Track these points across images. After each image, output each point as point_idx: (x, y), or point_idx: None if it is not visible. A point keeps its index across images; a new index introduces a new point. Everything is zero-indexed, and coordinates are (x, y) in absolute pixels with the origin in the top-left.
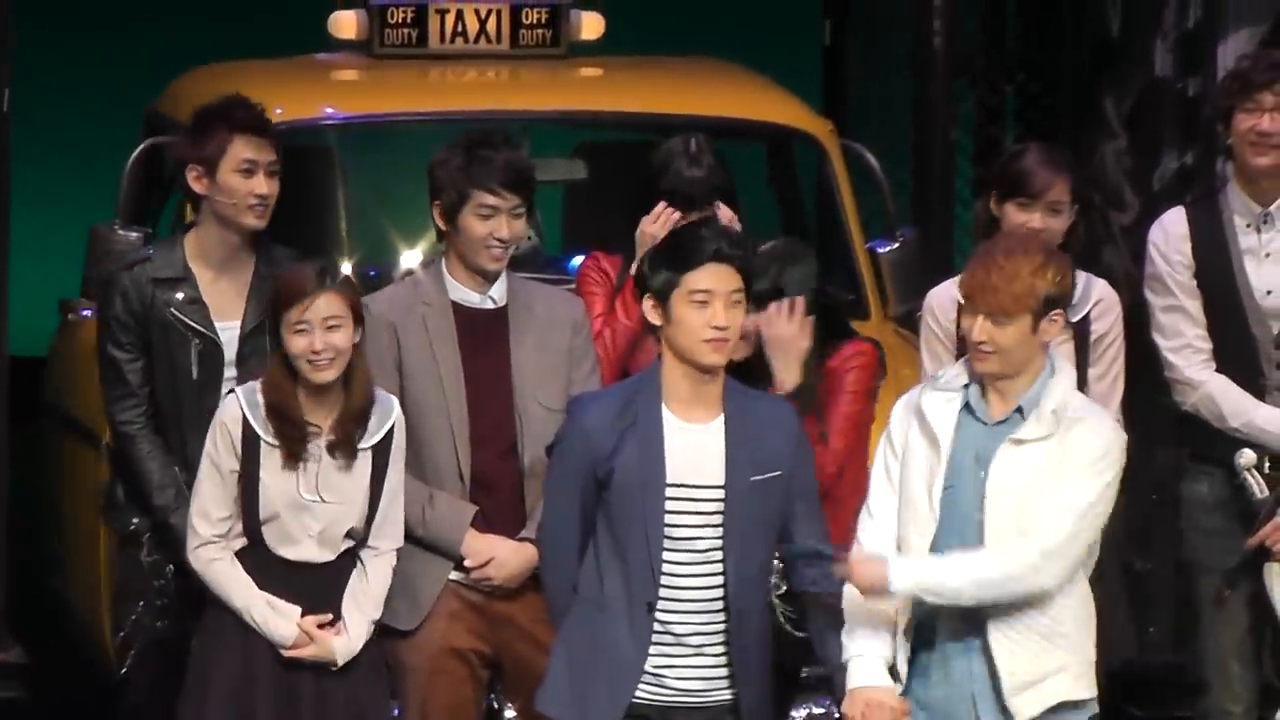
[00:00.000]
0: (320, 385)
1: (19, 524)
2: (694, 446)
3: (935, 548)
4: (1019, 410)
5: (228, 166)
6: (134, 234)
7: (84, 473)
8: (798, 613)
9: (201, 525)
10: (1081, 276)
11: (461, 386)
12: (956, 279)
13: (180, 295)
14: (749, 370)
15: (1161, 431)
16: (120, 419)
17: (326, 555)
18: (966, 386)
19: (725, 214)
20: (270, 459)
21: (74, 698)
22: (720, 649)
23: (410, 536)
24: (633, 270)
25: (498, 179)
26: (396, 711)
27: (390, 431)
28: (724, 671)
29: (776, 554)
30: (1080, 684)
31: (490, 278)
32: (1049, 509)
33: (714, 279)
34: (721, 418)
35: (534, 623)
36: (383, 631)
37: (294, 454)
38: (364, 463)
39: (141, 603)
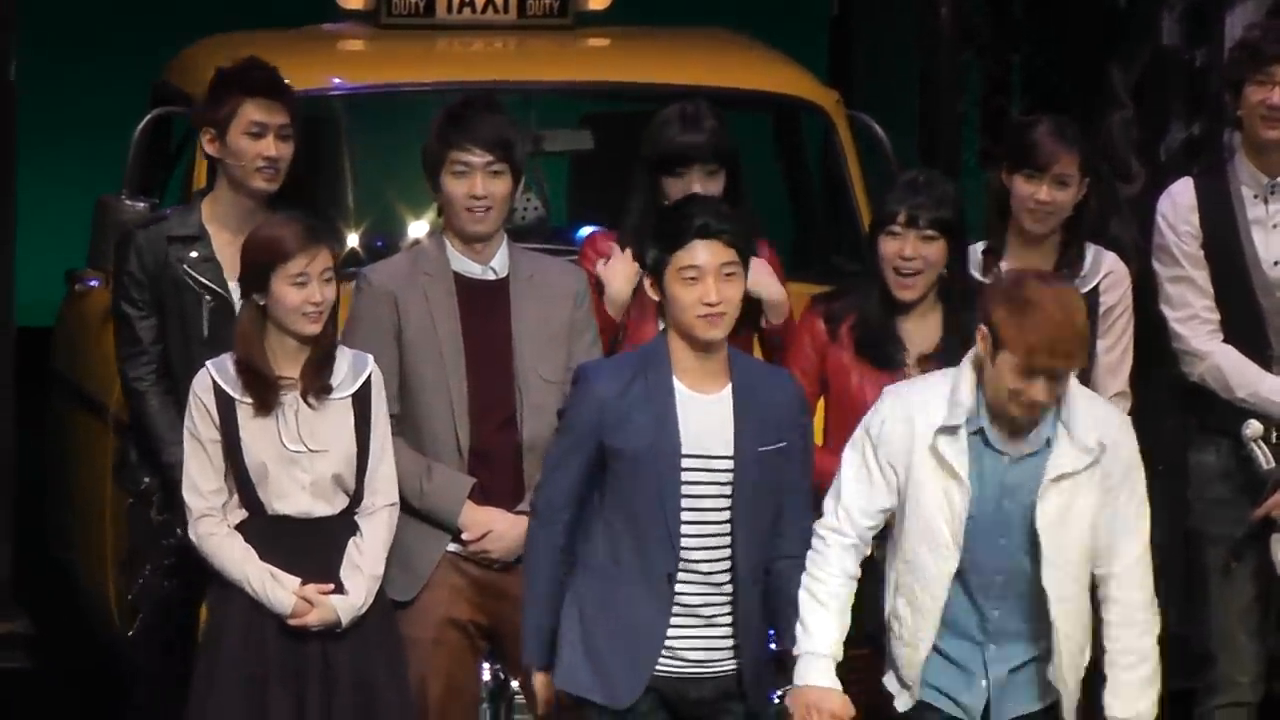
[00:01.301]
0: (300, 338)
1: (25, 494)
2: (704, 416)
3: (959, 575)
4: (1047, 442)
5: (237, 129)
6: (141, 204)
7: (91, 443)
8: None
9: (194, 500)
10: (1090, 249)
11: (461, 358)
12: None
13: (194, 254)
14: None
15: (1167, 403)
16: (131, 375)
17: (322, 508)
18: (974, 421)
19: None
20: (248, 417)
21: (80, 668)
22: (727, 619)
23: (407, 508)
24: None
25: (468, 136)
26: None
27: (368, 381)
28: (730, 642)
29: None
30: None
31: (478, 240)
32: (1117, 535)
33: (703, 255)
34: (729, 387)
35: None
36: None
37: (267, 404)
38: (344, 412)
39: (149, 565)
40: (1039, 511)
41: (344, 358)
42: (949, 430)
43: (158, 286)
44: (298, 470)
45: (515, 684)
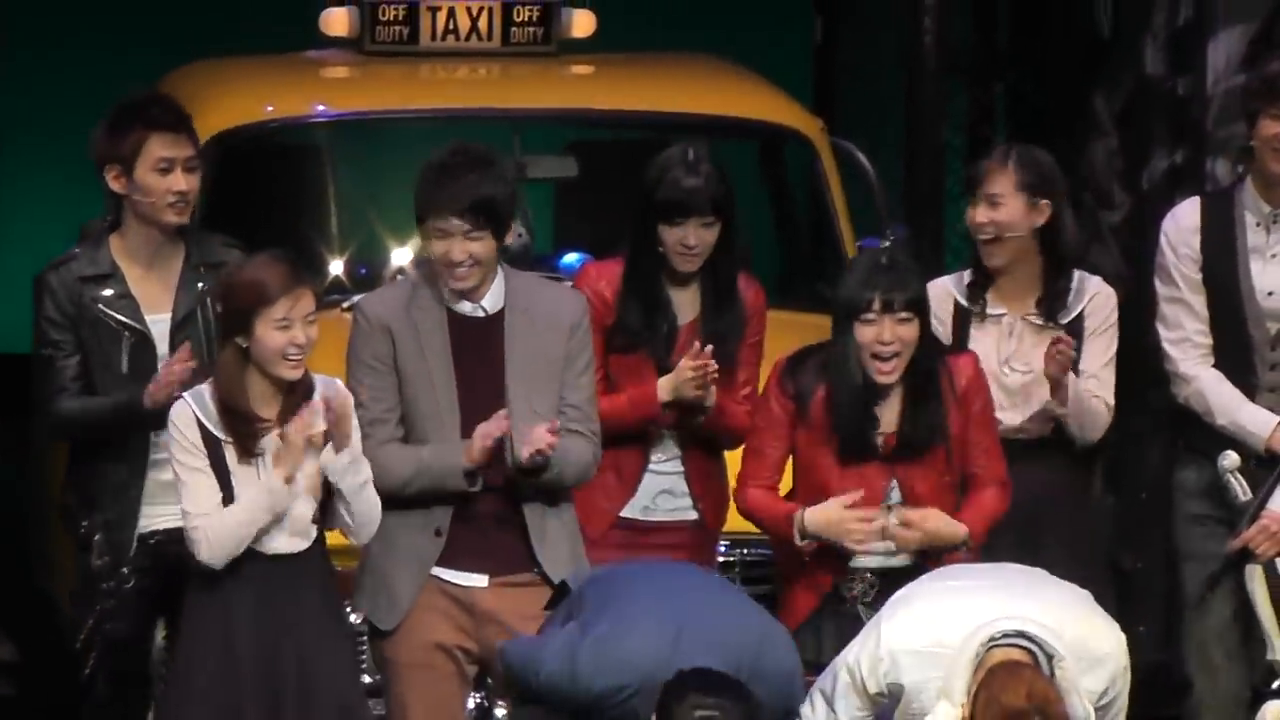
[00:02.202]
0: (277, 380)
1: (8, 522)
2: None
3: None
4: None
5: (145, 165)
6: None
7: None
8: None
9: (195, 518)
10: (1076, 275)
11: (454, 390)
12: (950, 276)
13: (109, 291)
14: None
15: (1151, 429)
16: (56, 407)
17: (299, 545)
18: None
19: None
20: (234, 460)
21: (64, 696)
22: None
23: (401, 503)
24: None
25: (447, 206)
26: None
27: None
28: None
29: None
30: None
31: (460, 296)
32: None
33: None
34: None
35: (520, 620)
36: (371, 632)
37: (248, 449)
38: (314, 452)
39: (98, 606)
40: None
41: (315, 389)
42: None
43: (76, 327)
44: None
45: (500, 711)
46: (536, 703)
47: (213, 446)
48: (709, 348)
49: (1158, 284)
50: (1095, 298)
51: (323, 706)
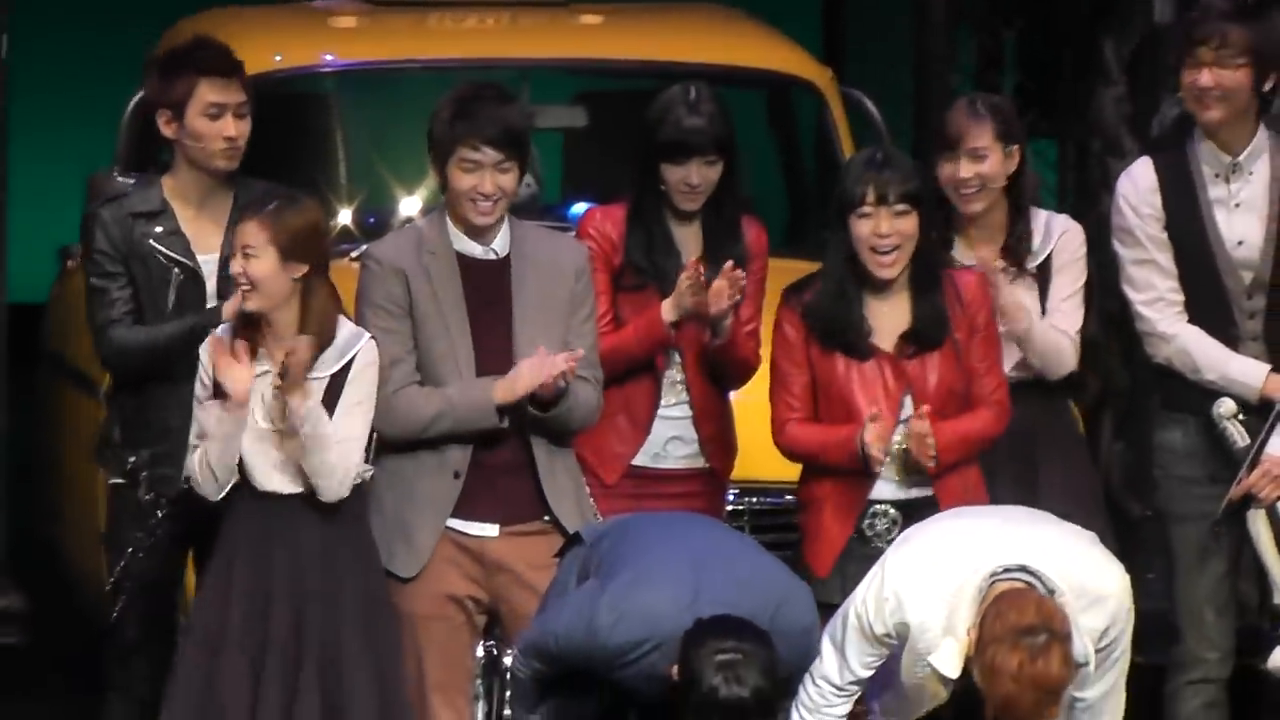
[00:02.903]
0: (254, 315)
1: (17, 471)
2: None
3: None
4: None
5: (195, 110)
6: (132, 181)
7: (82, 420)
8: None
9: (193, 450)
10: (1040, 216)
11: (468, 333)
12: None
13: (159, 228)
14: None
15: (1146, 380)
16: (110, 336)
17: (292, 486)
18: None
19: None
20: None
21: (72, 644)
22: None
23: (415, 449)
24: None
25: (481, 134)
26: None
27: (350, 363)
28: None
29: None
30: None
31: (480, 232)
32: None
33: None
34: None
35: (530, 569)
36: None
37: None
38: (316, 394)
39: (130, 548)
40: None
41: (339, 335)
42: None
43: (126, 261)
44: (269, 445)
45: (508, 660)
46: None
47: None
48: (696, 258)
49: (1119, 247)
50: (1064, 235)
51: (309, 660)
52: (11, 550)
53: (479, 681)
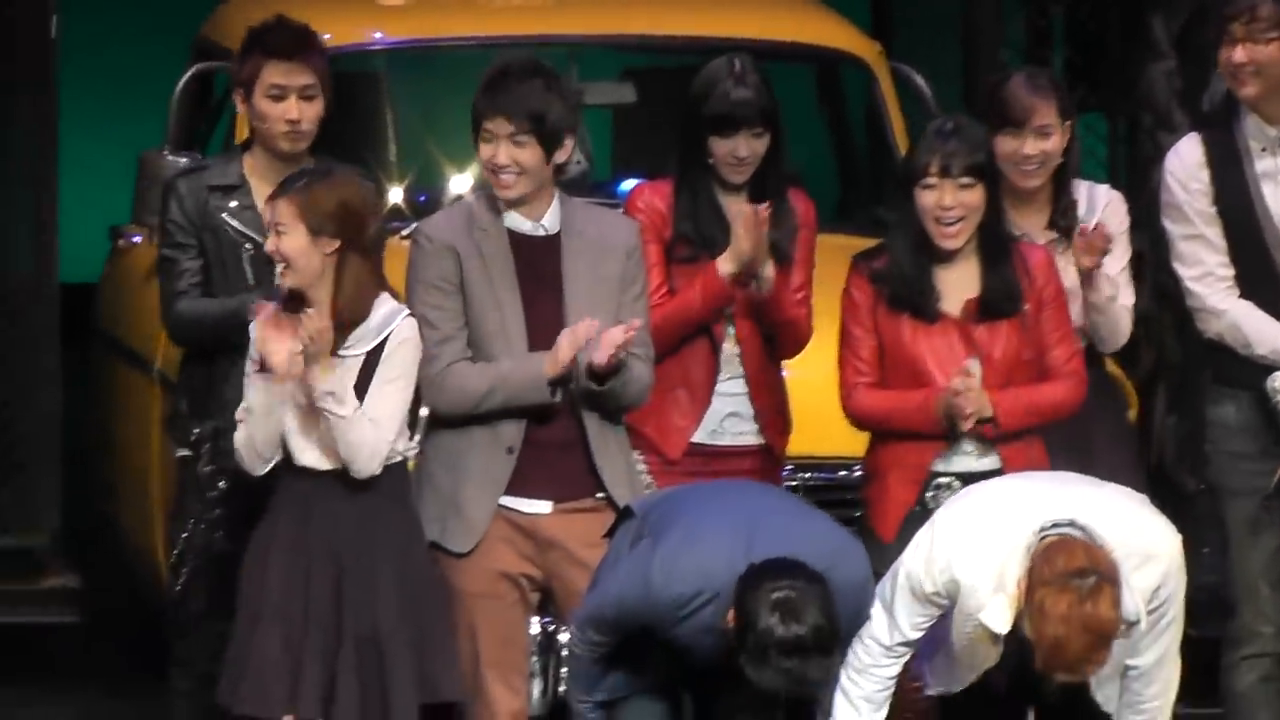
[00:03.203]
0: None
1: (71, 450)
2: None
3: None
4: None
5: (259, 91)
6: (183, 160)
7: (135, 397)
8: None
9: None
10: (1082, 186)
11: (520, 309)
12: None
13: (234, 203)
14: None
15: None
16: (174, 307)
17: (326, 463)
18: None
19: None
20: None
21: (127, 623)
22: None
23: (466, 425)
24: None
25: (494, 106)
26: None
27: (385, 340)
28: None
29: None
30: None
31: (511, 204)
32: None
33: None
34: None
35: (583, 546)
36: (433, 547)
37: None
38: (353, 367)
39: (193, 520)
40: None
41: (377, 313)
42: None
43: (199, 233)
44: (308, 423)
45: (564, 637)
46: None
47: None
48: (751, 206)
49: (1168, 224)
50: (1109, 205)
51: (347, 637)
52: (66, 529)
53: (534, 659)
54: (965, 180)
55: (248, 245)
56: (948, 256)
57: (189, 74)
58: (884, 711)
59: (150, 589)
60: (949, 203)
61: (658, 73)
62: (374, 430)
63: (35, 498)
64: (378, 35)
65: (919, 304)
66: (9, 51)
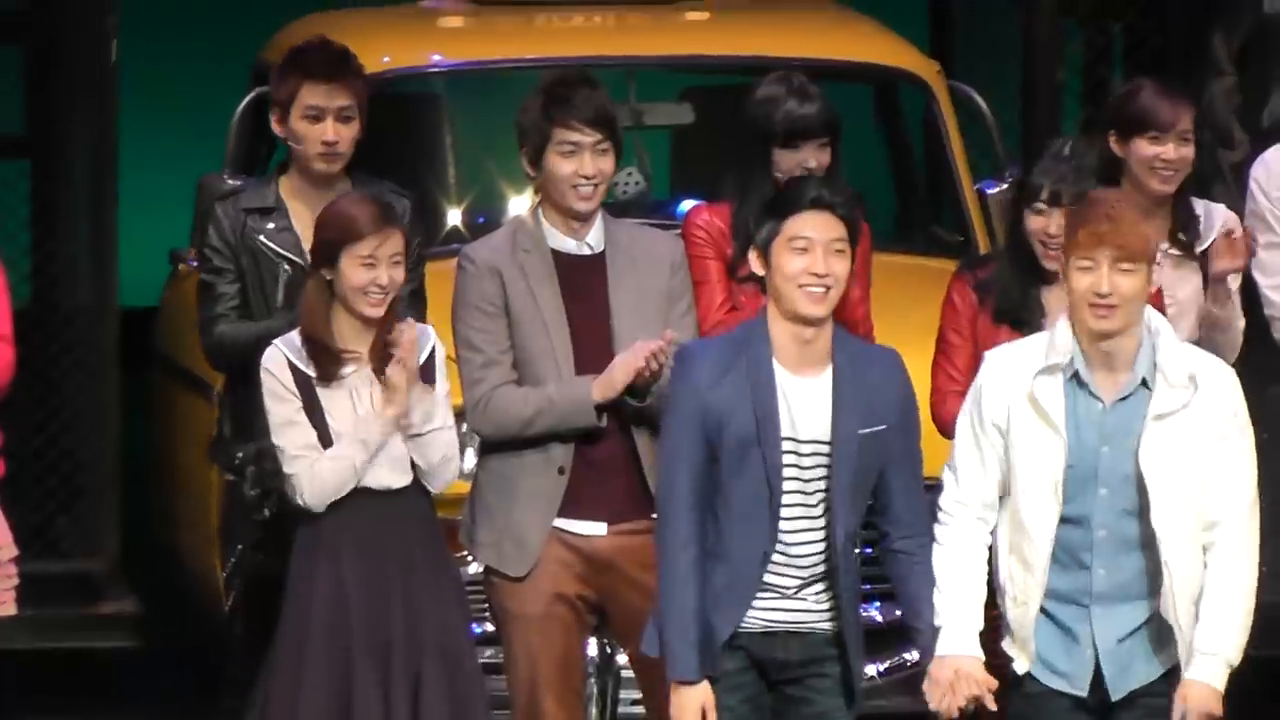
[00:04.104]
0: (363, 319)
1: (131, 475)
2: (803, 400)
3: (1063, 531)
4: (1144, 383)
5: (296, 112)
6: (241, 182)
7: (195, 421)
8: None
9: (293, 461)
10: (1201, 204)
11: (565, 329)
12: None
13: (271, 225)
14: None
15: (1273, 369)
16: (212, 331)
17: (400, 480)
18: (1071, 364)
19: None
20: (325, 391)
21: (186, 648)
22: (816, 590)
23: (518, 448)
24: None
25: (576, 115)
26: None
27: (431, 355)
28: (821, 608)
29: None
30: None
31: (582, 218)
32: (1224, 483)
33: (813, 225)
34: (830, 369)
35: (639, 568)
36: (488, 573)
37: (328, 375)
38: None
39: (241, 542)
40: (1142, 451)
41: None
42: (1047, 372)
43: (238, 257)
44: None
45: (622, 658)
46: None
47: (304, 386)
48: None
49: (1253, 232)
50: (1226, 223)
51: (430, 652)
52: (126, 553)
53: (592, 680)
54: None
55: (285, 266)
56: (1054, 276)
57: (248, 98)
58: (984, 578)
59: (208, 614)
60: (1054, 230)
61: (715, 92)
62: (452, 437)
63: (95, 523)
64: (436, 58)
65: (1023, 320)
66: (69, 77)
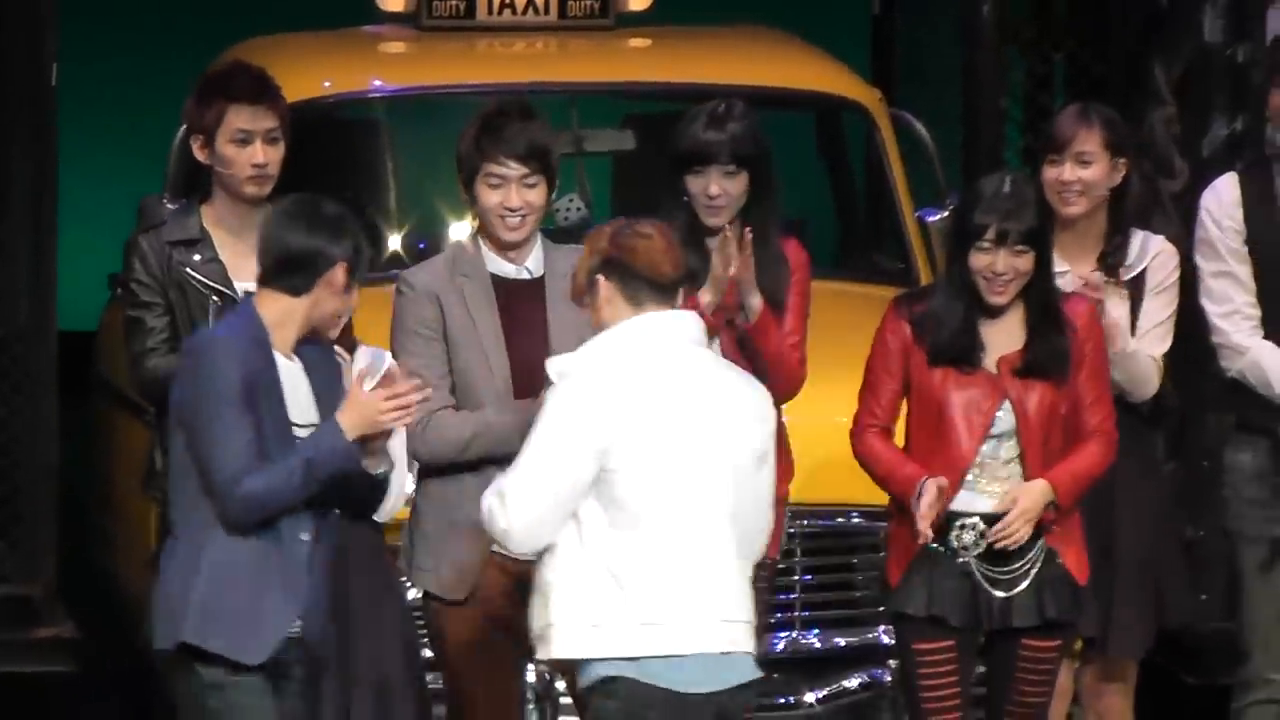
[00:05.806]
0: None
1: (69, 499)
2: None
3: None
4: None
5: (224, 136)
6: (174, 209)
7: (133, 447)
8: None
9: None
10: (1138, 234)
11: (504, 354)
12: None
13: (197, 256)
14: None
15: (1213, 398)
16: (144, 365)
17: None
18: None
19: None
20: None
21: (124, 673)
22: None
23: (457, 473)
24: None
25: (504, 150)
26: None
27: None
28: None
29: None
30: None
31: (513, 247)
32: None
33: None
34: None
35: None
36: (426, 598)
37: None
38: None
39: None
40: None
41: (362, 356)
42: None
43: (165, 290)
44: None
45: (560, 684)
46: None
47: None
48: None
49: (1199, 260)
50: (1158, 256)
51: (363, 680)
52: (64, 578)
53: (531, 708)
54: (1020, 248)
55: (215, 298)
56: (996, 310)
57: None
58: None
59: (145, 639)
60: (1001, 269)
61: (657, 119)
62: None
63: (33, 547)
64: (377, 83)
65: (961, 356)
66: (7, 99)
